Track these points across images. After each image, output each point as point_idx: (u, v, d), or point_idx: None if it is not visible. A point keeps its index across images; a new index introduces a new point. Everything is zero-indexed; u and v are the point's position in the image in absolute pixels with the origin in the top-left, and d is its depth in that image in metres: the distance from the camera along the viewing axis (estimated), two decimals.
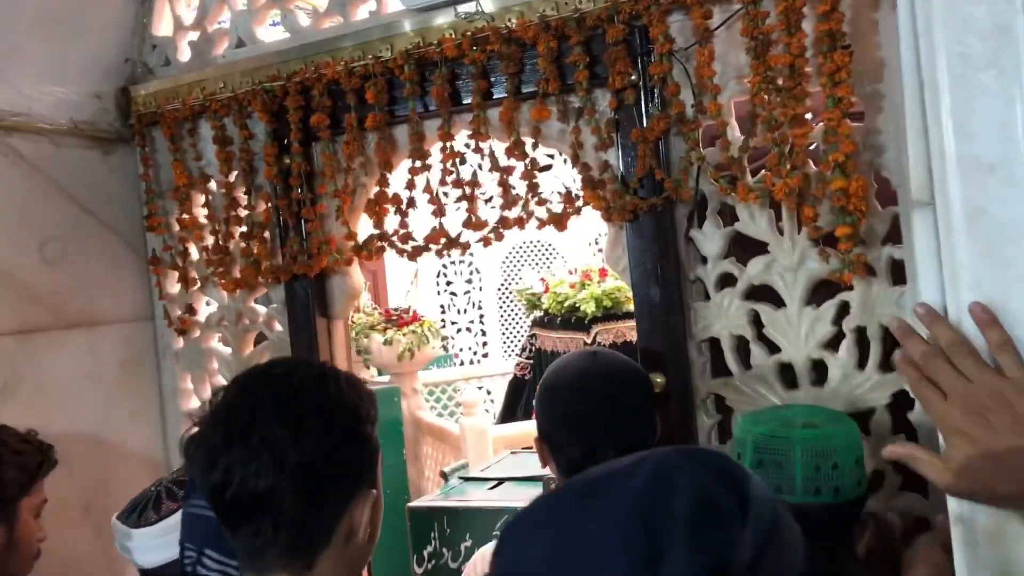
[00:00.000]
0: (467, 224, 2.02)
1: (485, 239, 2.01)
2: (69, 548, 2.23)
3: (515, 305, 7.82)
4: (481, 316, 8.31)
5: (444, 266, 8.25)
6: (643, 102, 1.86)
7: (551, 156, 2.05)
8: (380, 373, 5.10)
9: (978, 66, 1.03)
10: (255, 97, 2.22)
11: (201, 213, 2.43)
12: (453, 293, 8.28)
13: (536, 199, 1.96)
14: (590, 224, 7.18)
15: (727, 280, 1.90)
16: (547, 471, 1.87)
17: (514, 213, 1.97)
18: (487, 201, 2.03)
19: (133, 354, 2.48)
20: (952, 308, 1.09)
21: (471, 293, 8.30)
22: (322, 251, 2.18)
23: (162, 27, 2.48)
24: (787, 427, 1.37)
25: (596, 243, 7.09)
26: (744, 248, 1.89)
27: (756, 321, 1.87)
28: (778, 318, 1.83)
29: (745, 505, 0.66)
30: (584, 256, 6.36)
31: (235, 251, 2.33)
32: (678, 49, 1.82)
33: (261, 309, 2.42)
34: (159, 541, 1.78)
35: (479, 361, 8.06)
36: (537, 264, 7.84)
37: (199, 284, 2.42)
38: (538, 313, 5.51)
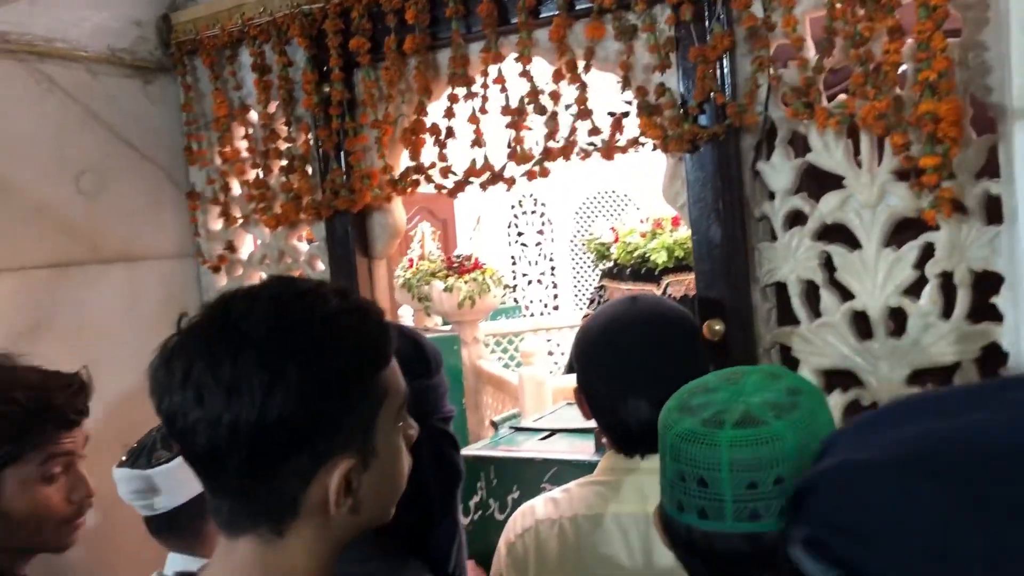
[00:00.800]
0: (512, 156, 1.86)
1: (530, 173, 1.85)
2: (108, 485, 2.19)
3: (587, 257, 7.66)
4: (552, 268, 8.18)
5: (515, 216, 8.13)
6: (706, 18, 1.67)
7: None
8: (444, 322, 5.02)
9: None
10: (294, 21, 2.10)
11: (243, 146, 2.33)
12: (524, 244, 8.16)
13: (590, 127, 1.79)
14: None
15: (797, 218, 1.72)
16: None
17: (558, 144, 1.81)
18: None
19: (174, 291, 2.41)
20: None
21: (543, 244, 8.17)
22: (364, 186, 2.06)
23: None
24: (714, 425, 0.98)
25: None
26: (817, 183, 1.70)
27: (828, 264, 1.68)
28: (853, 261, 1.64)
29: None
30: (661, 206, 6.15)
31: (275, 186, 2.23)
32: None
33: (303, 247, 2.33)
34: (179, 478, 1.71)
35: (550, 313, 7.95)
36: (611, 215, 7.65)
37: (241, 220, 2.33)
38: (607, 264, 5.34)
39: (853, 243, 1.65)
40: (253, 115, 2.30)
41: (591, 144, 1.79)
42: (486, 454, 2.48)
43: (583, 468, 1.70)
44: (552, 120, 1.81)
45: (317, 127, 2.12)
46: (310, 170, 2.19)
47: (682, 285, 4.84)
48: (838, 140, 1.63)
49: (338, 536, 0.98)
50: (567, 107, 1.83)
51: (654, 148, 1.74)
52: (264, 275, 2.38)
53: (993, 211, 1.52)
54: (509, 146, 1.87)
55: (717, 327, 1.73)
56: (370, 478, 0.96)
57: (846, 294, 1.67)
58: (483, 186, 1.92)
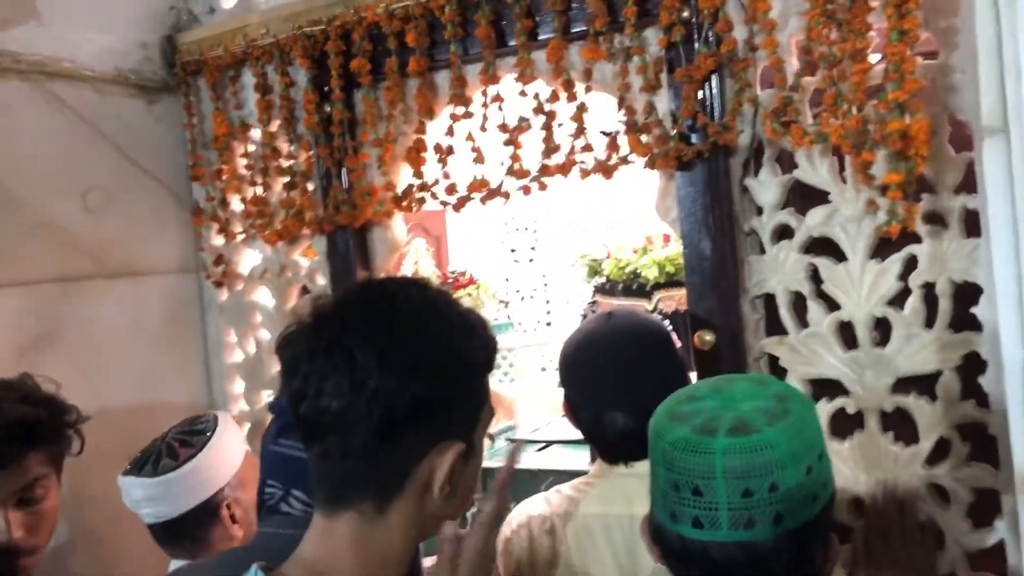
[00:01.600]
0: (510, 172, 1.93)
1: (526, 188, 1.92)
2: (115, 498, 2.23)
3: (578, 274, 7.71)
4: (545, 284, 8.22)
5: (508, 234, 8.18)
6: (695, 41, 1.74)
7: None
8: None
9: None
10: (296, 43, 2.16)
11: (242, 163, 2.38)
12: (517, 261, 8.20)
13: (584, 145, 1.85)
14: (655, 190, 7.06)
15: (784, 232, 1.77)
16: None
17: (557, 160, 1.87)
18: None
19: (177, 306, 2.46)
20: None
21: (535, 261, 8.21)
22: (366, 201, 2.12)
23: None
24: (707, 433, 1.00)
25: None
26: (804, 199, 1.76)
27: (814, 276, 1.74)
28: (839, 272, 1.70)
29: None
30: (651, 225, 6.21)
31: (276, 202, 2.29)
32: None
33: (304, 262, 2.38)
34: (183, 487, 1.77)
35: (541, 330, 7.99)
36: (602, 232, 7.71)
37: (241, 236, 2.39)
38: (600, 279, 5.39)
39: (839, 256, 1.71)
40: (254, 133, 2.35)
41: (582, 162, 1.85)
42: (484, 465, 2.52)
43: None
44: (550, 138, 1.87)
45: (318, 145, 2.17)
46: (311, 186, 2.24)
47: (673, 300, 4.89)
48: (823, 157, 1.69)
49: (427, 523, 1.06)
50: (559, 125, 1.89)
51: (645, 166, 1.80)
52: (267, 289, 2.44)
53: (972, 225, 1.58)
54: (503, 164, 1.93)
55: (708, 337, 1.79)
56: (469, 470, 1.05)
57: (832, 305, 1.72)
58: (483, 200, 1.97)
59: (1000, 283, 1.00)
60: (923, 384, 1.65)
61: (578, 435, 2.72)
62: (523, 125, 1.91)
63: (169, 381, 2.42)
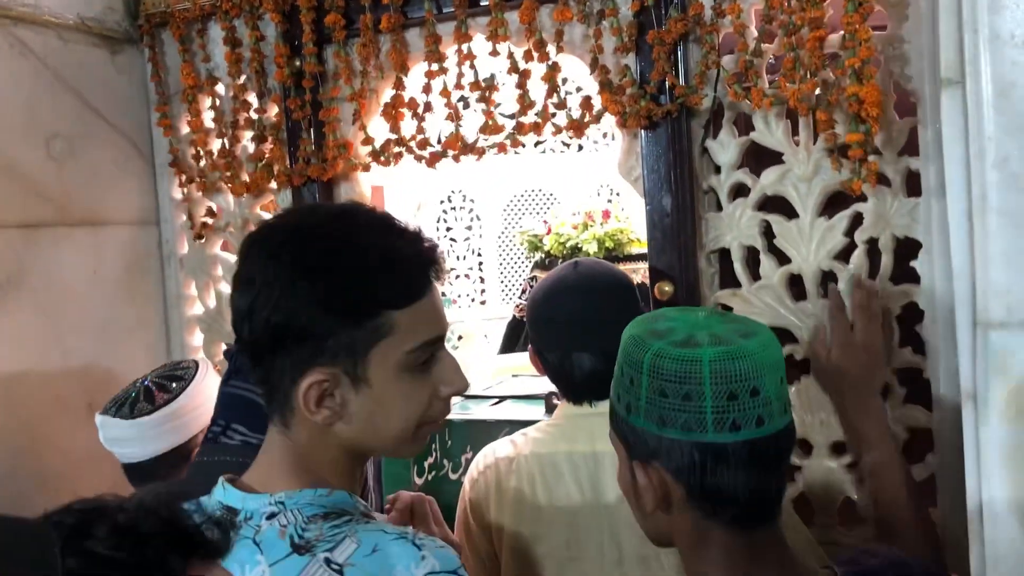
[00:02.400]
0: (483, 129, 2.00)
1: (501, 145, 1.99)
2: (70, 445, 2.24)
3: (514, 252, 7.81)
4: (480, 263, 8.29)
5: (444, 212, 8.22)
6: (663, 6, 1.83)
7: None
8: None
9: None
10: None
11: (208, 117, 2.39)
12: (453, 239, 8.25)
13: (557, 102, 1.93)
14: (593, 172, 7.18)
15: (740, 191, 1.89)
16: (547, 390, 1.93)
17: (531, 118, 1.95)
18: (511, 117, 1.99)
19: (137, 258, 2.46)
20: (977, 186, 1.09)
21: (471, 240, 8.27)
22: (339, 156, 2.16)
23: None
24: (691, 345, 1.06)
25: (599, 194, 7.07)
26: (759, 161, 1.88)
27: (767, 232, 1.86)
28: (790, 228, 1.82)
29: None
30: (585, 205, 6.34)
31: (243, 155, 2.32)
32: None
33: (267, 215, 2.41)
34: (158, 431, 1.80)
35: (477, 307, 8.06)
36: (538, 213, 7.81)
37: (207, 188, 2.40)
38: (539, 255, 5.50)
39: (790, 213, 1.83)
40: (220, 88, 2.37)
41: (568, 116, 1.92)
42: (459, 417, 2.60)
43: None
44: (525, 96, 1.94)
45: (288, 99, 2.21)
46: (282, 140, 2.27)
47: None
48: (778, 121, 1.81)
49: (344, 443, 1.11)
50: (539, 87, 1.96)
51: (616, 124, 1.89)
52: (232, 241, 2.46)
53: (913, 185, 1.72)
54: (484, 115, 2.00)
55: (667, 288, 1.90)
56: (360, 402, 1.07)
57: (783, 259, 1.85)
58: (455, 158, 2.04)
59: (953, 216, 1.12)
60: None
61: (528, 391, 2.81)
62: (494, 85, 1.98)
63: (128, 332, 2.43)
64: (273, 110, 2.28)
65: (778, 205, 1.85)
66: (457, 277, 8.19)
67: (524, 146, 1.97)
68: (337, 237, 1.06)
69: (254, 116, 2.28)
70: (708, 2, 1.79)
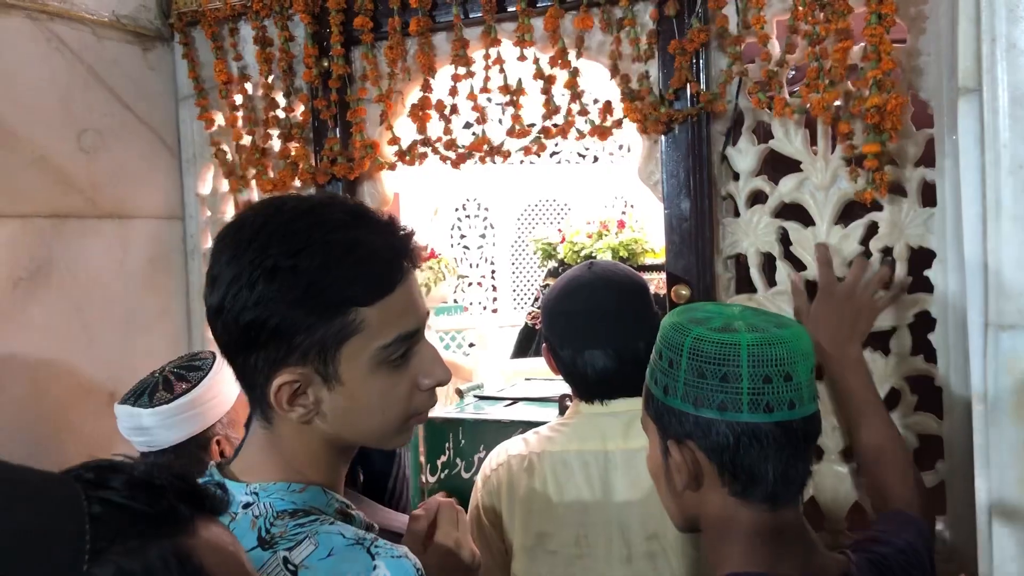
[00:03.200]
0: (511, 132, 2.04)
1: (527, 148, 2.03)
2: (93, 432, 2.29)
3: (527, 261, 7.84)
4: (493, 272, 8.33)
5: (459, 219, 8.27)
6: (685, 15, 1.87)
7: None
8: None
9: None
10: None
11: (239, 114, 2.44)
12: (466, 247, 8.30)
13: (579, 109, 1.97)
14: (607, 183, 7.22)
15: (758, 198, 1.92)
16: (560, 392, 1.96)
17: (555, 123, 1.99)
18: (531, 127, 2.03)
19: (162, 251, 2.51)
20: (991, 191, 1.12)
21: (484, 248, 8.32)
22: (366, 155, 2.20)
23: None
24: (730, 331, 1.12)
25: (613, 205, 7.11)
26: (776, 169, 1.92)
27: (784, 239, 1.89)
28: (806, 236, 1.85)
29: None
30: (599, 214, 6.38)
31: (271, 152, 2.36)
32: None
33: None
34: (175, 419, 1.84)
35: (489, 315, 8.09)
36: (552, 222, 7.85)
37: (239, 184, 2.45)
38: (553, 263, 5.53)
39: (807, 221, 1.86)
40: (249, 86, 2.42)
41: (590, 121, 1.96)
42: (454, 416, 2.63)
43: None
44: (549, 101, 1.99)
45: (315, 98, 2.25)
46: (307, 138, 2.32)
47: None
48: (797, 129, 1.85)
49: (325, 438, 1.10)
50: (563, 93, 2.01)
51: (637, 130, 1.92)
52: None
53: (928, 195, 1.75)
54: (511, 120, 2.04)
55: (684, 292, 1.93)
56: (334, 400, 1.06)
57: (799, 266, 1.88)
58: (481, 160, 2.08)
59: (967, 220, 1.15)
60: (878, 339, 1.81)
61: (542, 393, 2.84)
62: (521, 89, 2.02)
63: (151, 323, 2.47)
64: (299, 109, 2.33)
65: (795, 212, 1.88)
66: (470, 284, 8.23)
67: (545, 149, 2.01)
68: (301, 233, 1.02)
69: (280, 115, 2.32)
70: (731, 14, 1.82)
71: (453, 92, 2.08)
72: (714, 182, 1.93)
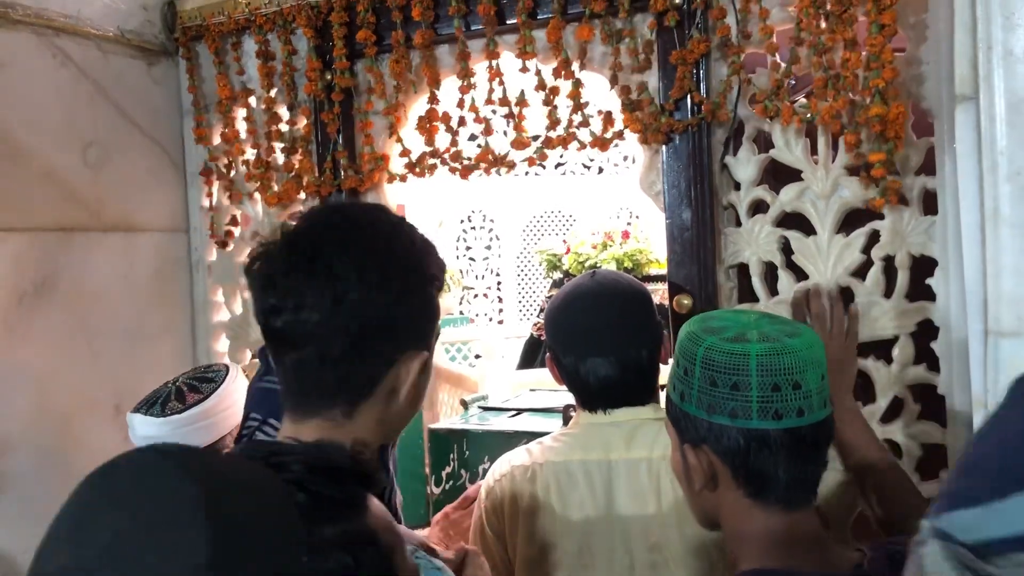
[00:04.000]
0: (514, 143, 2.05)
1: (530, 159, 2.04)
2: (98, 444, 2.30)
3: (532, 272, 7.85)
4: (499, 283, 8.34)
5: (464, 231, 8.28)
6: (685, 26, 1.88)
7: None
8: None
9: None
10: (299, 12, 2.25)
11: (242, 128, 2.46)
12: (472, 258, 8.31)
13: (580, 120, 1.98)
14: (612, 194, 7.23)
15: (759, 207, 1.93)
16: (565, 402, 1.96)
17: (558, 133, 2.00)
18: (535, 139, 2.05)
19: (167, 264, 2.52)
20: (989, 198, 1.12)
21: (489, 260, 8.33)
22: (376, 167, 2.22)
23: None
24: (741, 340, 1.15)
25: (618, 216, 7.12)
26: (777, 178, 1.92)
27: (785, 248, 1.90)
28: (808, 245, 1.86)
29: None
30: (604, 225, 6.39)
31: (275, 165, 2.38)
32: None
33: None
34: (187, 429, 1.84)
35: (494, 326, 8.10)
36: (557, 234, 7.87)
37: (241, 198, 2.46)
38: (558, 274, 5.54)
39: (808, 230, 1.86)
40: (253, 100, 2.44)
41: (591, 132, 1.97)
42: (459, 427, 2.63)
43: None
44: (552, 112, 2.00)
45: (319, 112, 2.27)
46: (310, 151, 2.33)
47: None
48: (798, 138, 1.85)
49: (389, 428, 1.15)
50: (567, 104, 2.02)
51: (638, 140, 1.93)
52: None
53: (929, 204, 1.75)
54: (514, 130, 2.05)
55: (686, 301, 1.93)
56: (423, 379, 1.12)
57: (801, 275, 1.88)
58: (486, 171, 2.09)
59: (966, 228, 1.15)
60: (881, 348, 1.81)
61: (546, 404, 2.83)
62: (523, 100, 2.03)
63: (156, 335, 2.49)
64: (303, 122, 2.34)
65: (796, 222, 1.89)
66: (475, 296, 8.24)
67: (547, 159, 2.02)
68: (397, 226, 1.11)
69: (284, 128, 2.34)
70: (731, 24, 1.83)
71: (461, 104, 2.09)
72: (715, 192, 1.93)
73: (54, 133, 2.21)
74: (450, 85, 2.12)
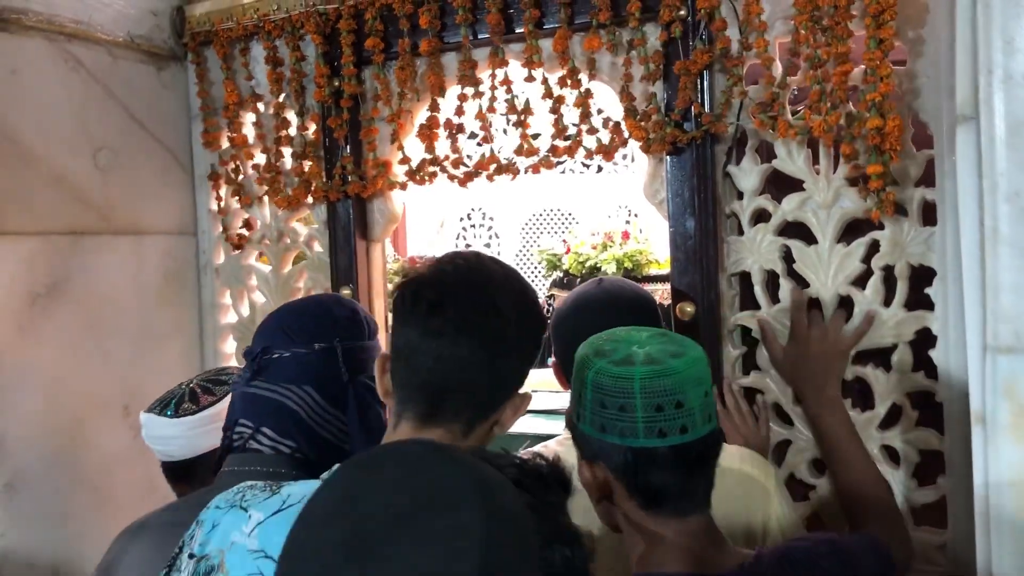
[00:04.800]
0: (519, 151, 2.07)
1: (535, 167, 2.07)
2: (108, 444, 2.33)
3: (532, 271, 7.88)
4: None
5: (464, 229, 8.32)
6: (690, 37, 1.91)
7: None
8: None
9: None
10: (308, 19, 2.28)
11: (250, 133, 2.49)
12: None
13: (588, 128, 2.01)
14: (611, 193, 7.26)
15: (761, 216, 1.96)
16: (566, 405, 1.98)
17: (565, 143, 2.03)
18: (535, 137, 2.08)
19: (175, 266, 2.55)
20: (989, 218, 1.15)
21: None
22: (379, 174, 2.25)
23: None
24: (627, 363, 1.21)
25: (617, 214, 7.15)
26: (779, 187, 1.95)
27: (787, 257, 1.93)
28: (809, 254, 1.89)
29: None
30: (604, 225, 6.42)
31: (284, 170, 2.41)
32: None
33: (302, 229, 2.49)
34: (199, 431, 1.87)
35: None
36: (556, 232, 7.90)
37: (251, 201, 2.49)
38: (558, 274, 5.57)
39: (810, 239, 1.90)
40: (261, 105, 2.46)
41: (598, 140, 2.00)
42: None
43: None
44: (559, 121, 2.03)
45: (327, 118, 2.29)
46: (319, 157, 2.36)
47: None
48: (800, 149, 1.88)
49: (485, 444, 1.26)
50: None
51: (641, 149, 1.96)
52: (268, 254, 2.54)
53: (929, 214, 1.79)
54: (519, 139, 2.08)
55: (688, 309, 1.96)
56: (523, 408, 1.26)
57: (802, 283, 1.91)
58: (489, 178, 2.12)
59: (966, 246, 1.18)
60: (880, 356, 1.85)
61: (549, 406, 2.87)
62: (529, 108, 2.06)
63: (165, 338, 2.51)
64: (311, 128, 2.37)
65: (798, 231, 1.92)
66: None
67: (554, 167, 2.05)
68: (520, 277, 1.27)
69: (292, 133, 2.36)
70: (733, 35, 1.86)
71: (459, 112, 2.12)
72: (718, 201, 1.96)
73: (65, 137, 2.24)
74: (456, 93, 2.15)
